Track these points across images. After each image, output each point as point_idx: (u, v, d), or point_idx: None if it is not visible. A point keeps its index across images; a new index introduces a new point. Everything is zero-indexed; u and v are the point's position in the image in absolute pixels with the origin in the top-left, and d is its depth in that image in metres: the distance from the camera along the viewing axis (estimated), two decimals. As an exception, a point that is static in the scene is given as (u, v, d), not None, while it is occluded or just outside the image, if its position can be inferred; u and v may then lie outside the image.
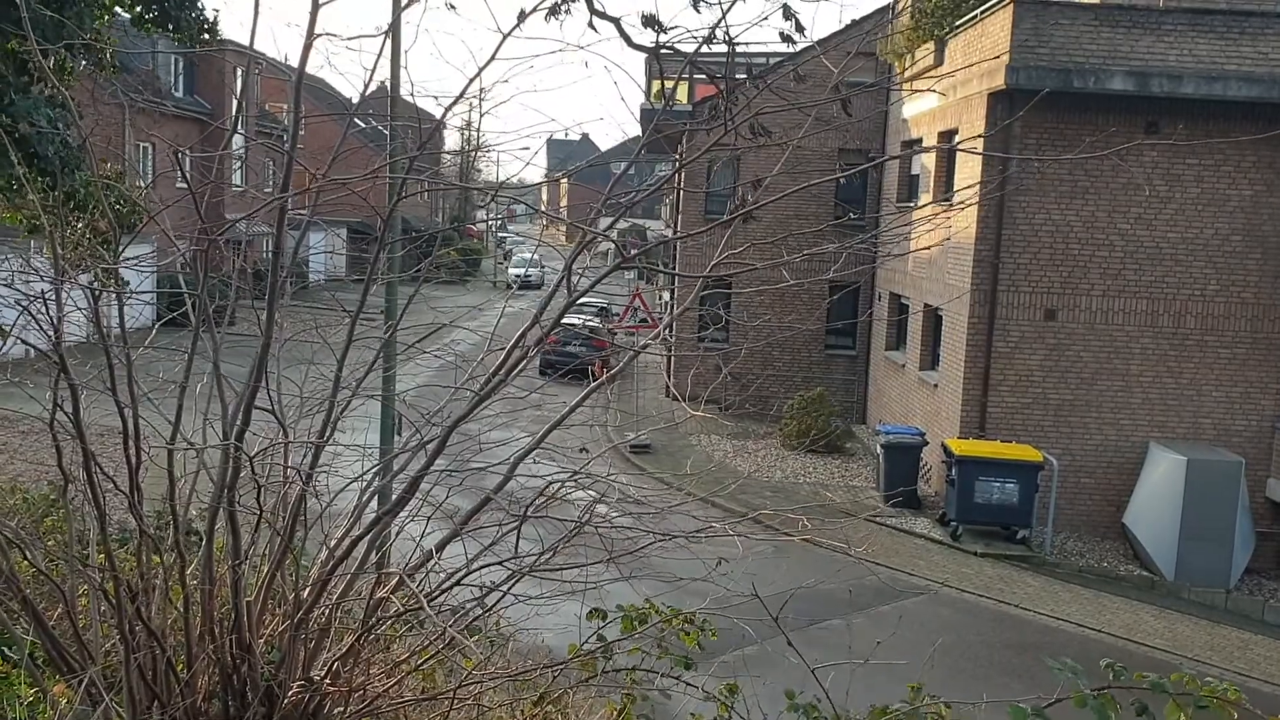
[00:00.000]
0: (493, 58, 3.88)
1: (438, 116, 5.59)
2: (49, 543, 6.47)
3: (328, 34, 3.70)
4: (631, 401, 27.46)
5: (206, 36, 9.84)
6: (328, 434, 4.42)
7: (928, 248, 18.75)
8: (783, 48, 5.16)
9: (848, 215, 24.49)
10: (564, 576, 4.85)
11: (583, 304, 29.35)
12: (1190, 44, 17.57)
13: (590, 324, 29.35)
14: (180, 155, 4.57)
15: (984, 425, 19.01)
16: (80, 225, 5.15)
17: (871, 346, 27.63)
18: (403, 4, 4.12)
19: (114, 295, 4.36)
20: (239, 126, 4.50)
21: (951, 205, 17.29)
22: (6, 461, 14.88)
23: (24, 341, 4.28)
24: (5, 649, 5.34)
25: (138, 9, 9.39)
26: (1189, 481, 17.16)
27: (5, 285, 4.50)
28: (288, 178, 3.90)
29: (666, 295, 37.00)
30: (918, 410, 22.45)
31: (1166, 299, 18.66)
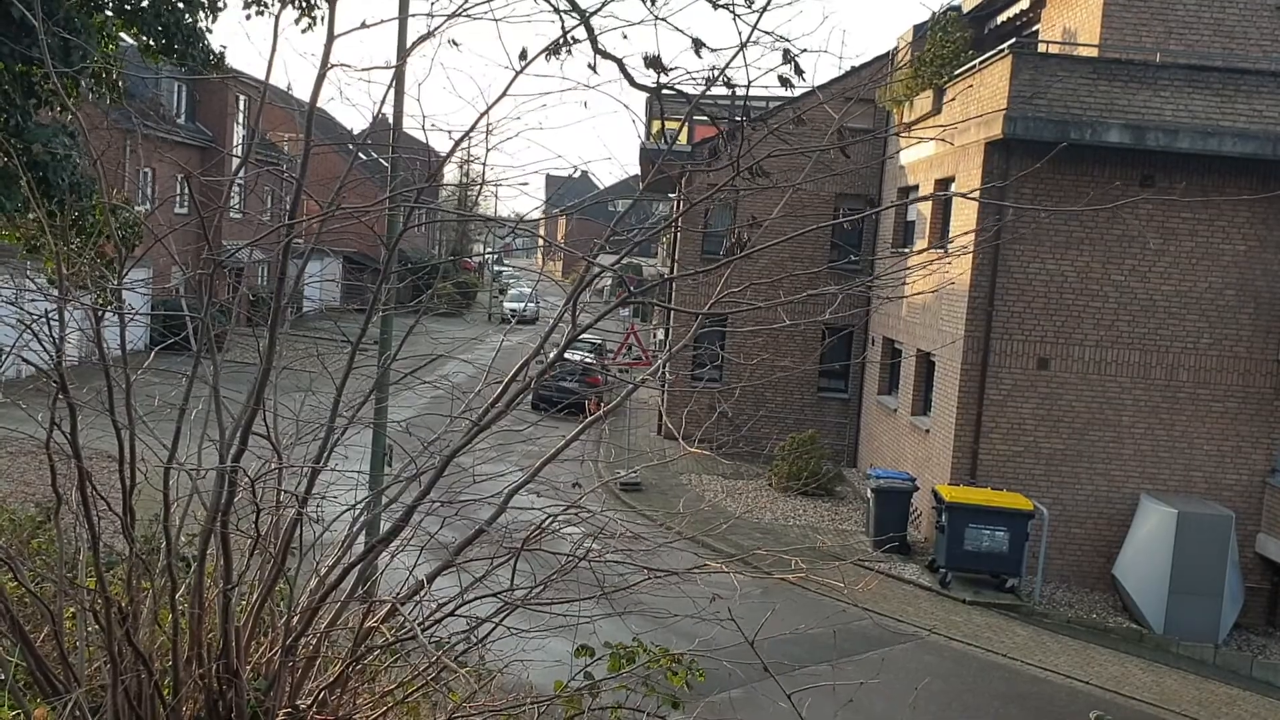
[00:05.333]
0: (504, 94, 3.94)
1: (444, 149, 5.63)
2: (36, 563, 6.44)
3: (342, 65, 3.75)
4: (623, 438, 27.43)
5: (214, 69, 9.93)
6: (324, 459, 4.42)
7: (922, 293, 18.86)
8: (782, 92, 5.23)
9: (849, 258, 24.66)
10: (553, 611, 4.84)
11: (577, 340, 29.32)
12: (1186, 99, 17.78)
13: (585, 360, 29.37)
14: (188, 180, 4.60)
15: (975, 472, 19.02)
16: (87, 248, 5.18)
17: (864, 390, 27.68)
18: (409, 43, 4.18)
19: (116, 317, 4.38)
20: (249, 155, 4.54)
21: (947, 252, 17.42)
22: (-5, 482, 14.80)
23: (25, 360, 4.29)
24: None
25: (144, 39, 9.48)
26: (1179, 534, 17.17)
27: (8, 304, 4.52)
28: (295, 206, 3.93)
29: (661, 333, 37.08)
30: (909, 455, 22.46)
31: (1159, 351, 18.75)
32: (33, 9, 4.30)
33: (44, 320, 4.11)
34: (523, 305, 42.67)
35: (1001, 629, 16.81)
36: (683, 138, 24.37)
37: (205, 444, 4.61)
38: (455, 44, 4.80)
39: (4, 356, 4.40)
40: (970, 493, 18.18)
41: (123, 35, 10.04)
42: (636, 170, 30.06)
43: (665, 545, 5.46)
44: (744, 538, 18.31)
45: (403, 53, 7.23)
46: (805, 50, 4.15)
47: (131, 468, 4.25)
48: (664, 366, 6.00)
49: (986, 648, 15.88)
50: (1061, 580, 18.81)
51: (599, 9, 4.65)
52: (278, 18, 4.16)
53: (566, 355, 4.77)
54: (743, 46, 4.04)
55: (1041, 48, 20.17)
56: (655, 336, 38.71)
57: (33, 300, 4.59)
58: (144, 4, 8.90)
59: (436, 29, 4.03)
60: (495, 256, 55.68)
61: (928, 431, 21.13)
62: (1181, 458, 18.83)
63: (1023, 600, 17.81)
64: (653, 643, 6.16)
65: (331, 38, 3.69)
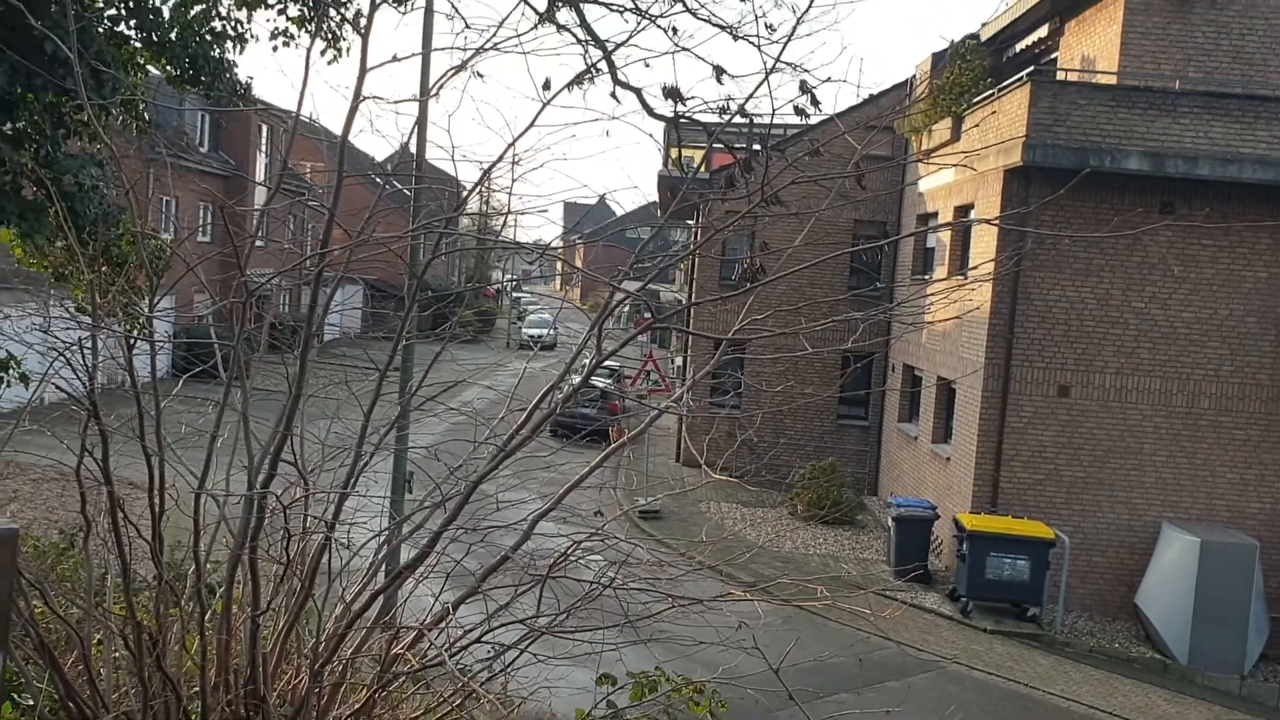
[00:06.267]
0: (531, 124, 3.99)
1: (467, 178, 5.69)
2: (63, 588, 6.48)
3: (374, 97, 3.81)
4: (642, 466, 27.40)
5: (242, 100, 10.07)
6: (352, 484, 4.46)
7: (943, 320, 18.84)
8: (799, 122, 5.28)
9: (872, 285, 24.66)
10: (577, 639, 4.85)
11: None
12: (1206, 126, 17.77)
13: (605, 386, 29.37)
14: (221, 210, 4.67)
15: (996, 500, 18.92)
16: (118, 277, 5.25)
17: (884, 417, 27.59)
18: (438, 75, 4.26)
19: (146, 344, 4.44)
20: (278, 185, 4.61)
21: (967, 279, 17.40)
22: (19, 509, 14.91)
23: (58, 387, 4.35)
24: (15, 696, 5.34)
25: (172, 70, 9.62)
26: (1202, 563, 16.99)
27: (41, 331, 4.59)
28: (327, 236, 3.99)
29: (679, 360, 37.09)
30: (930, 483, 22.36)
31: (1181, 378, 18.65)
32: (68, 43, 4.39)
33: (76, 348, 4.16)
34: (545, 331, 42.71)
35: (1023, 658, 16.67)
36: (701, 165, 24.45)
37: (234, 470, 4.65)
38: (480, 75, 4.86)
39: (38, 383, 4.46)
40: (991, 521, 18.07)
41: (149, 67, 10.19)
42: (655, 197, 30.20)
43: (688, 574, 5.46)
44: (765, 566, 18.25)
45: (426, 86, 7.33)
46: (829, 79, 4.19)
47: (161, 494, 4.29)
48: (687, 393, 6.02)
49: (1008, 677, 15.75)
50: (1083, 609, 18.65)
51: (622, 44, 4.72)
52: (309, 50, 4.23)
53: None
54: (766, 77, 4.09)
55: (1060, 75, 20.20)
56: (673, 363, 38.71)
57: (65, 329, 4.65)
58: (172, 36, 9.03)
59: (467, 61, 4.09)
60: (514, 283, 55.89)
61: (948, 459, 21.04)
62: (1204, 486, 18.68)
63: (1044, 629, 17.66)
64: (675, 672, 6.16)
65: (364, 71, 3.75)
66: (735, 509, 24.62)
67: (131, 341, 4.30)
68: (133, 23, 9.04)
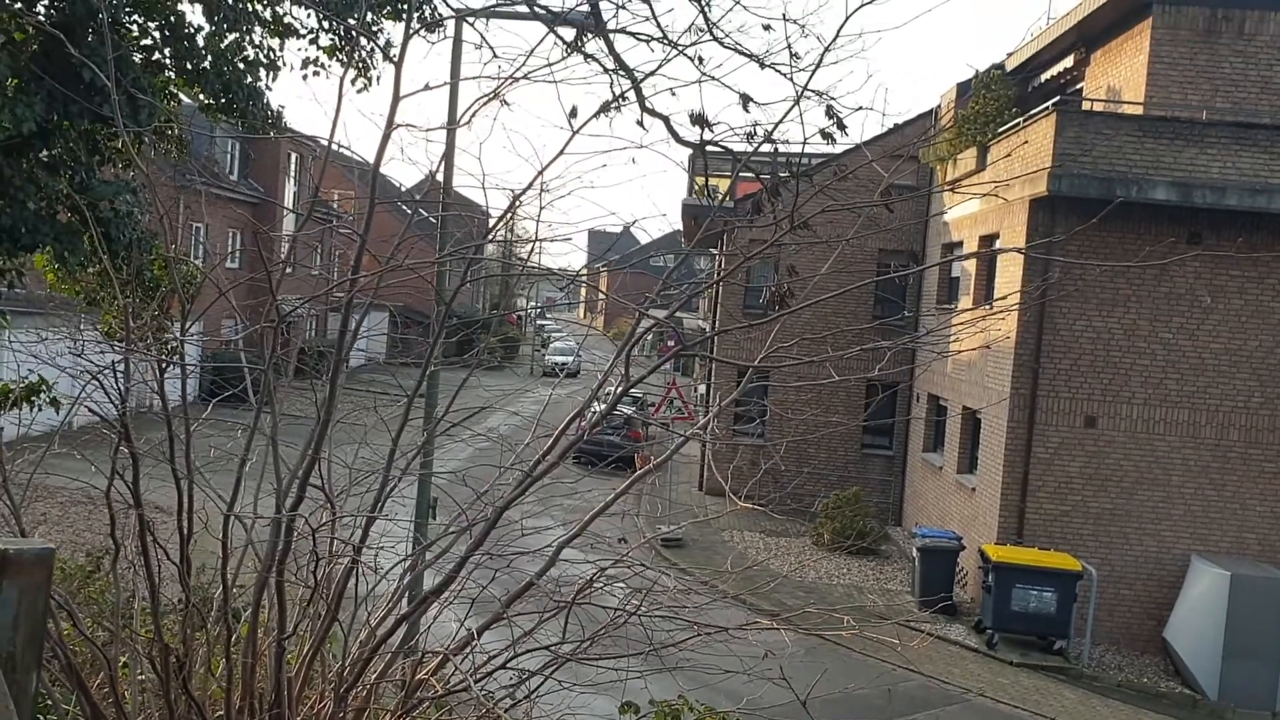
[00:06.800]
0: (560, 152, 4.03)
1: (494, 205, 5.73)
2: (91, 610, 6.52)
3: (407, 125, 3.86)
4: (665, 494, 27.34)
5: (273, 127, 10.20)
6: (379, 507, 4.48)
7: (968, 350, 18.76)
8: (826, 149, 5.30)
9: (899, 314, 24.61)
10: (601, 666, 4.84)
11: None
12: (1234, 157, 17.68)
13: (629, 414, 29.35)
14: (255, 236, 4.73)
15: (1022, 532, 18.76)
16: (152, 302, 5.33)
17: (909, 447, 27.45)
18: (468, 103, 4.31)
19: (177, 368, 4.49)
20: (310, 212, 4.67)
21: (992, 309, 17.34)
22: (47, 531, 15.02)
23: (91, 410, 4.40)
24: (42, 718, 5.36)
25: (205, 97, 9.76)
26: (1233, 597, 16.78)
27: (75, 355, 4.65)
28: (358, 262, 4.03)
29: (702, 388, 37.05)
30: (955, 514, 22.20)
31: (1209, 410, 18.48)
32: (105, 70, 4.47)
33: (109, 371, 4.21)
34: (569, 359, 42.75)
35: (1050, 692, 16.47)
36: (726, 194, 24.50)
37: (261, 495, 4.68)
38: (507, 104, 4.91)
39: (71, 405, 4.51)
40: (1017, 552, 17.91)
41: (183, 95, 10.34)
42: (679, 225, 30.27)
43: (712, 602, 5.45)
44: (788, 596, 18.13)
45: (454, 115, 7.40)
46: (859, 108, 4.21)
47: (190, 517, 4.33)
48: (713, 421, 6.01)
49: (1035, 711, 15.56)
50: (1111, 643, 18.42)
51: (651, 73, 4.75)
52: (342, 79, 4.29)
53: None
54: (795, 103, 4.11)
55: (1086, 106, 20.17)
56: (696, 391, 38.68)
57: (99, 353, 4.71)
58: (206, 64, 9.17)
59: (499, 89, 4.13)
60: (538, 311, 56.06)
61: (974, 490, 20.89)
62: (1234, 518, 18.47)
63: (1071, 663, 17.45)
64: (698, 701, 6.12)
65: (397, 98, 3.80)
66: (758, 538, 24.51)
67: (163, 365, 4.34)
68: (168, 51, 9.19)
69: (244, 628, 4.61)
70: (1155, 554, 18.51)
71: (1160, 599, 18.28)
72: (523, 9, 5.61)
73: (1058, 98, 19.49)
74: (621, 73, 5.12)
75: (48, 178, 8.43)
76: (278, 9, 9.91)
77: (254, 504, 4.73)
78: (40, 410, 7.71)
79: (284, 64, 10.08)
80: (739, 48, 4.85)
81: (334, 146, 4.21)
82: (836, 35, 4.42)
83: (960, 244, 23.61)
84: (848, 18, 4.30)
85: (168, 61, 9.31)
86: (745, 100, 5.40)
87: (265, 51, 9.88)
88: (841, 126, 4.94)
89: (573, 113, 4.65)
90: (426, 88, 4.01)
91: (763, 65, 5.35)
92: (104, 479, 4.41)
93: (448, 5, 7.15)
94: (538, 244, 4.71)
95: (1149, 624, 18.32)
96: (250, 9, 9.34)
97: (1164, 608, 18.13)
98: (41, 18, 8.36)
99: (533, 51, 4.52)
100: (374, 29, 10.28)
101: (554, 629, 4.81)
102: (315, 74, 10.44)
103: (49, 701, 4.98)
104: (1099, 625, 18.00)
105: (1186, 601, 17.71)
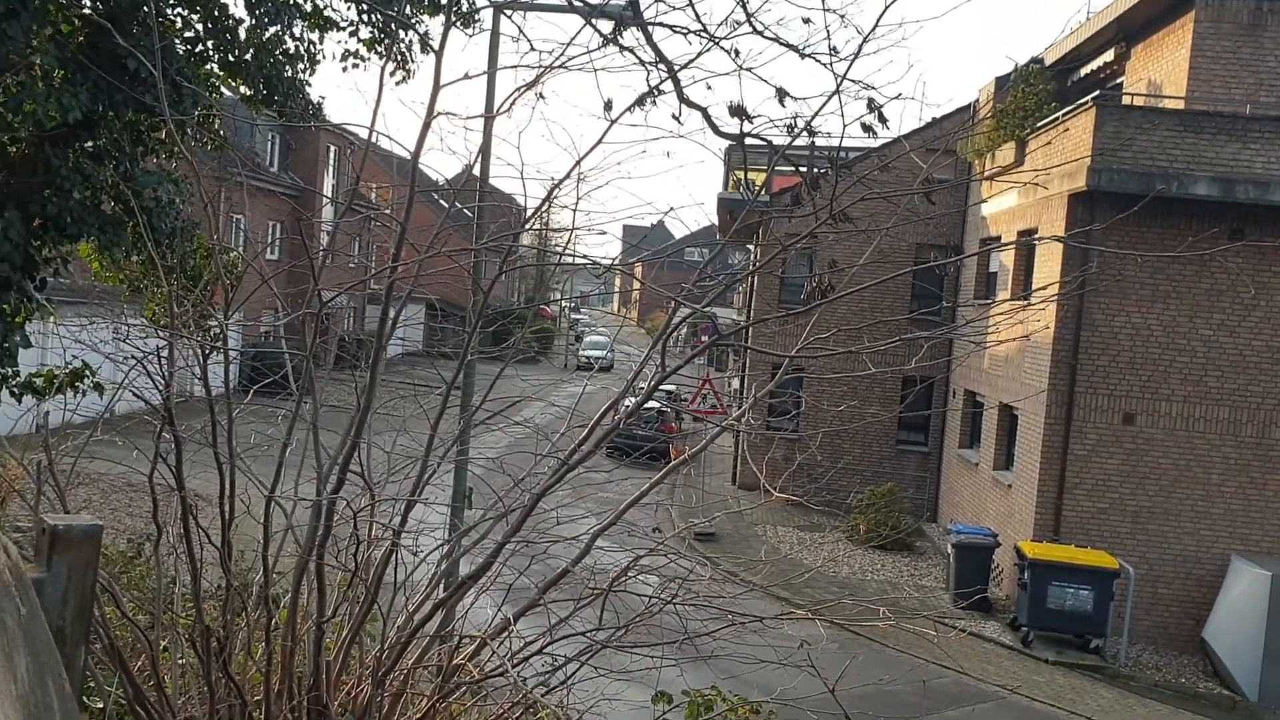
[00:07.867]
0: (598, 142, 4.04)
1: (532, 195, 5.76)
2: (133, 593, 6.62)
3: (447, 113, 3.89)
4: (698, 487, 27.33)
5: (313, 119, 10.30)
6: (419, 492, 4.52)
7: (1005, 342, 18.60)
8: (865, 141, 5.29)
9: (936, 307, 24.46)
10: (635, 653, 4.86)
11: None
12: (1277, 151, 17.42)
13: (662, 406, 29.38)
14: (298, 225, 4.79)
15: (1058, 529, 18.61)
16: (195, 290, 5.42)
17: (944, 443, 27.29)
18: (507, 93, 4.34)
19: (221, 355, 4.56)
20: (351, 201, 4.72)
21: (1030, 303, 17.20)
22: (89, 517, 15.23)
23: (135, 394, 4.47)
24: (85, 699, 5.46)
25: (246, 89, 9.87)
26: (1274, 598, 16.56)
27: (121, 340, 4.73)
28: (398, 252, 4.08)
29: (736, 382, 37.00)
30: (990, 510, 22.05)
31: (1250, 408, 18.24)
32: (152, 61, 4.54)
33: (154, 357, 4.28)
34: (602, 353, 42.83)
35: (1085, 691, 16.34)
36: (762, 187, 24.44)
37: (302, 480, 4.74)
38: (542, 97, 4.93)
39: (116, 390, 4.59)
40: (1053, 550, 17.77)
41: (224, 88, 10.46)
42: (714, 219, 30.23)
43: (745, 593, 5.46)
44: (821, 591, 18.07)
45: (492, 105, 7.44)
46: (900, 96, 4.20)
47: (231, 501, 4.39)
48: (748, 413, 6.01)
49: (1070, 710, 15.44)
50: (1148, 642, 18.25)
51: (687, 65, 4.76)
52: (383, 70, 4.33)
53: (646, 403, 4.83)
54: (834, 93, 4.11)
55: (1126, 100, 19.95)
56: (730, 385, 38.63)
57: (142, 337, 4.79)
58: (247, 56, 9.27)
59: (539, 79, 4.16)
60: (574, 304, 56.19)
61: (1010, 486, 20.75)
62: (1275, 518, 18.23)
63: (1107, 662, 17.30)
64: (730, 691, 6.14)
65: (437, 88, 3.83)
66: (791, 532, 24.45)
67: (206, 351, 4.41)
68: (210, 43, 9.30)
69: (283, 612, 4.68)
70: (1194, 553, 18.31)
71: (1199, 598, 18.08)
72: (560, 1, 5.64)
73: (1097, 92, 19.28)
74: (659, 64, 5.12)
75: (93, 167, 8.55)
76: (318, 2, 9.99)
77: (294, 489, 4.79)
78: (84, 395, 7.84)
79: (324, 57, 10.17)
80: (778, 38, 4.84)
81: (374, 137, 4.25)
82: (875, 25, 4.40)
83: (998, 239, 23.44)
84: (887, 7, 4.28)
85: (210, 53, 9.41)
86: (781, 94, 5.39)
87: (305, 44, 9.96)
88: (883, 119, 4.93)
89: (608, 105, 4.66)
90: (466, 77, 4.04)
91: (802, 55, 5.33)
92: (146, 464, 4.48)
93: (486, -2, 7.19)
94: (573, 233, 4.72)
95: (1187, 623, 18.13)
96: (291, 2, 9.42)
97: (1203, 607, 17.93)
98: (88, 9, 8.48)
99: (570, 42, 4.54)
100: (413, 21, 10.34)
101: (588, 617, 4.84)
102: (355, 66, 10.51)
103: (92, 684, 5.07)
104: (1136, 624, 17.83)
105: (1226, 601, 17.51)
